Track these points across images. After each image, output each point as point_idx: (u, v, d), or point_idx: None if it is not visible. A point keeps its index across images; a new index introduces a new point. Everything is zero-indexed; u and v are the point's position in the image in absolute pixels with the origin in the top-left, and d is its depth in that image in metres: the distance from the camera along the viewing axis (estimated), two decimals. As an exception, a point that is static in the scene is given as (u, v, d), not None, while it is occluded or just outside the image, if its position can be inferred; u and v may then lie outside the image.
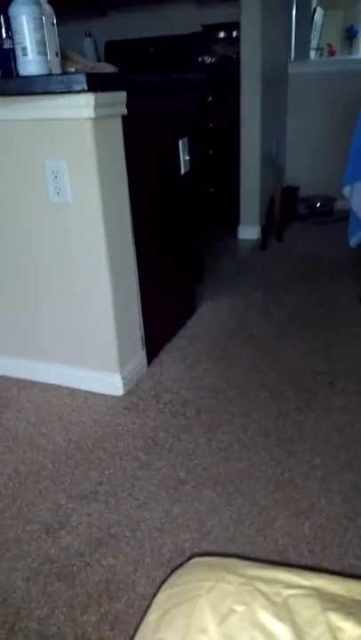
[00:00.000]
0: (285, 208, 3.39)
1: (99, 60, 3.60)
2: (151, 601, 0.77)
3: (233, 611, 0.59)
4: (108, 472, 1.37)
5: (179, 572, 0.76)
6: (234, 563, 0.71)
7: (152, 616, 0.69)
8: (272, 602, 0.59)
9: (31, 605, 1.05)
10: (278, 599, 0.59)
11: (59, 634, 0.98)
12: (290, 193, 3.49)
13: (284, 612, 0.57)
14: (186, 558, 1.12)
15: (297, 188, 3.54)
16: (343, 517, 1.21)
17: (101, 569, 1.11)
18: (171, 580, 0.73)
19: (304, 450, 1.43)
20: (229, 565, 0.68)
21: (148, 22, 3.61)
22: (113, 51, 3.62)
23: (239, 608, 0.59)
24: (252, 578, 0.63)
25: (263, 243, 3.15)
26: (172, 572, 0.88)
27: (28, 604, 1.05)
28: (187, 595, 0.65)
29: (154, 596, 0.79)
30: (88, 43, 3.50)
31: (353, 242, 2.20)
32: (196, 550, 1.14)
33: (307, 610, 0.58)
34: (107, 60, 3.68)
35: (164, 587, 0.74)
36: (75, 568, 1.12)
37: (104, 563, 1.12)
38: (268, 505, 1.25)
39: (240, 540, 1.16)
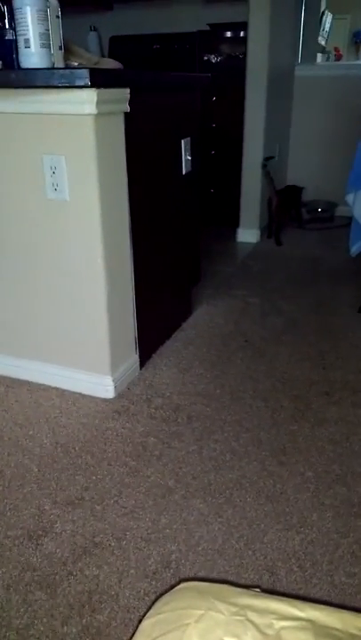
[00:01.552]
0: (290, 207, 3.37)
1: (103, 55, 3.56)
2: (136, 627, 0.74)
3: (222, 643, 0.56)
4: (95, 477, 1.33)
5: (166, 597, 0.72)
6: (225, 590, 0.68)
7: (136, 643, 0.65)
8: (264, 634, 0.56)
9: (10, 614, 1.01)
10: (271, 631, 0.56)
11: (37, 646, 0.95)
12: (295, 192, 3.45)
13: (274, 646, 0.54)
14: (172, 571, 1.09)
15: (301, 189, 3.51)
16: (335, 533, 1.18)
17: (84, 579, 1.08)
18: (157, 605, 0.70)
19: (297, 461, 1.40)
20: (220, 592, 0.65)
21: (154, 18, 3.58)
22: (117, 46, 3.58)
23: (230, 640, 0.56)
24: (244, 607, 0.60)
25: (277, 238, 3.16)
26: (159, 597, 0.84)
27: (8, 613, 1.01)
28: (174, 623, 0.62)
29: (139, 622, 0.75)
30: (92, 37, 3.45)
31: (353, 250, 2.18)
32: (183, 562, 1.11)
33: (299, 644, 0.55)
34: (110, 56, 3.64)
35: (150, 612, 0.70)
36: (57, 577, 1.08)
37: (87, 572, 1.09)
38: (259, 517, 1.22)
39: (228, 554, 1.13)
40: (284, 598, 0.63)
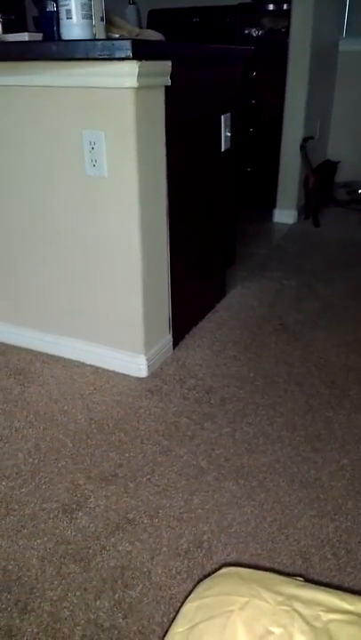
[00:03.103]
0: (328, 185, 3.29)
1: (141, 29, 3.49)
2: (177, 611, 0.73)
3: (269, 632, 0.55)
4: (128, 455, 1.34)
5: (208, 581, 0.71)
6: (268, 577, 0.66)
7: (179, 628, 0.64)
8: (312, 626, 0.54)
9: (45, 586, 1.03)
10: (318, 624, 0.55)
11: (71, 617, 0.97)
12: (330, 167, 3.36)
13: (324, 638, 0.53)
14: (204, 551, 1.09)
15: (337, 163, 3.42)
16: (370, 522, 1.16)
17: (117, 554, 1.09)
18: (199, 589, 0.69)
19: (332, 448, 1.37)
20: (265, 580, 0.64)
21: (194, -9, 3.47)
22: (156, 19, 3.50)
23: (276, 630, 0.55)
24: (290, 597, 0.59)
25: (315, 219, 3.12)
26: (200, 580, 0.84)
27: (42, 585, 1.03)
28: (218, 609, 0.61)
29: (181, 604, 0.75)
30: (131, 10, 3.37)
31: (396, 233, 2.10)
32: (215, 543, 1.11)
33: (350, 638, 0.53)
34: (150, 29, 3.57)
35: (191, 596, 0.70)
36: (90, 551, 1.10)
37: (120, 548, 1.10)
38: (292, 503, 1.21)
39: (261, 537, 1.12)
40: (332, 590, 0.61)
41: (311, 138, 3.04)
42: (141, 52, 1.26)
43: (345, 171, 3.53)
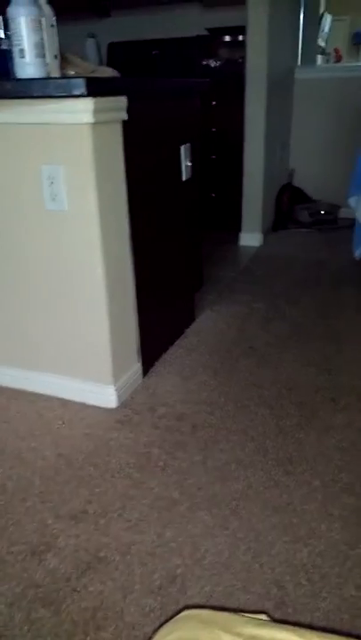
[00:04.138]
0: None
1: (101, 61, 3.56)
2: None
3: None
4: (98, 490, 1.31)
5: (169, 625, 0.70)
6: (229, 618, 0.65)
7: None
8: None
9: (14, 632, 0.99)
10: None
11: (41, 666, 0.93)
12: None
13: None
14: (177, 586, 1.06)
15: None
16: (343, 544, 1.15)
17: (88, 595, 1.06)
18: (160, 634, 0.68)
19: (304, 470, 1.37)
20: (226, 621, 0.63)
21: (152, 24, 3.57)
22: (116, 52, 3.59)
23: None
24: (249, 638, 0.58)
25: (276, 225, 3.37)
26: (161, 625, 0.82)
27: (11, 631, 0.99)
28: (176, 655, 0.59)
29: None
30: (91, 43, 3.44)
31: (358, 253, 2.16)
32: (189, 576, 1.09)
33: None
34: (109, 62, 3.64)
35: (152, 641, 0.68)
36: (61, 593, 1.06)
37: (91, 588, 1.07)
38: (266, 529, 1.20)
39: (235, 567, 1.11)
40: (291, 627, 0.61)
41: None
42: (96, 88, 1.28)
43: (306, 193, 3.63)
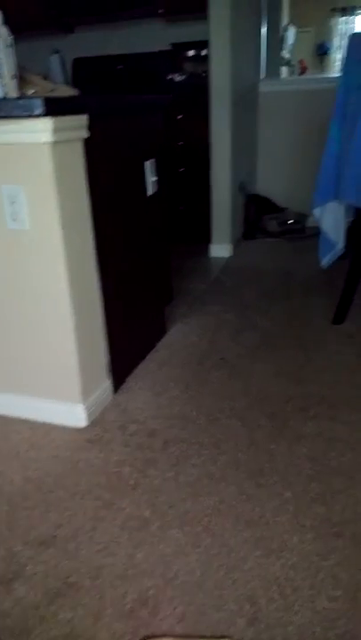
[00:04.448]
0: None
1: (67, 77, 3.56)
2: None
3: None
4: (67, 514, 1.29)
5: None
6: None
7: None
8: None
9: (-19, 667, 0.96)
10: None
11: None
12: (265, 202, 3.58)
13: None
14: (149, 608, 1.05)
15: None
16: (315, 555, 1.16)
17: (58, 623, 1.03)
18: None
19: (275, 482, 1.37)
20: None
21: (116, 39, 3.60)
22: (81, 67, 3.59)
23: None
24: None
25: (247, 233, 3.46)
26: None
27: (-22, 666, 0.96)
28: None
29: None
30: (55, 59, 3.46)
31: (324, 262, 2.18)
32: (161, 598, 1.07)
33: None
34: (75, 77, 3.65)
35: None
36: (30, 623, 1.04)
37: (61, 616, 1.05)
38: (238, 544, 1.19)
39: (208, 585, 1.10)
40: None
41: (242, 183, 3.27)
42: (54, 108, 1.27)
43: (275, 202, 3.67)
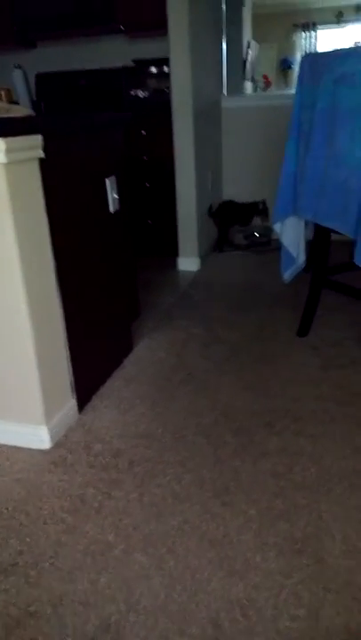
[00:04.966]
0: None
1: (30, 92, 3.54)
2: None
3: None
4: (29, 539, 1.26)
5: None
6: None
7: None
8: None
9: None
10: None
11: None
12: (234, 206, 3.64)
13: None
14: (111, 635, 1.03)
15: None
16: (278, 574, 1.16)
17: (18, 656, 1.01)
18: None
19: (240, 500, 1.37)
20: None
21: (79, 55, 3.60)
22: (44, 83, 3.59)
23: None
24: None
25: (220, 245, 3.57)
26: None
27: None
28: None
29: None
30: (17, 74, 3.43)
31: (286, 276, 2.22)
32: (123, 623, 1.06)
33: None
34: (38, 92, 3.64)
35: None
36: (-12, 657, 1.01)
37: (21, 648, 1.02)
38: (202, 565, 1.19)
39: (171, 609, 1.09)
40: None
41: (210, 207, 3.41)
42: (7, 129, 1.27)
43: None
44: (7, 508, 1.36)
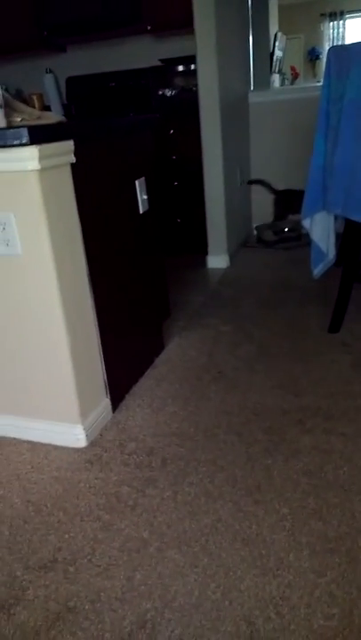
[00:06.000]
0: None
1: (60, 95, 3.60)
2: None
3: None
4: (67, 536, 1.30)
5: None
6: None
7: None
8: None
9: None
10: None
11: None
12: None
13: None
14: (147, 631, 1.06)
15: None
16: (311, 572, 1.16)
17: (59, 648, 1.05)
18: None
19: (272, 498, 1.38)
20: None
21: (107, 57, 3.64)
22: (74, 86, 3.64)
23: None
24: None
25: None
26: None
27: None
28: None
29: None
30: (49, 79, 3.49)
31: (316, 272, 2.20)
32: (159, 620, 1.08)
33: None
34: (68, 96, 3.69)
35: None
36: (30, 649, 1.05)
37: (61, 641, 1.06)
38: (235, 563, 1.20)
39: (205, 607, 1.11)
40: None
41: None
42: (40, 136, 1.30)
43: (269, 214, 3.69)
44: (46, 505, 1.40)
